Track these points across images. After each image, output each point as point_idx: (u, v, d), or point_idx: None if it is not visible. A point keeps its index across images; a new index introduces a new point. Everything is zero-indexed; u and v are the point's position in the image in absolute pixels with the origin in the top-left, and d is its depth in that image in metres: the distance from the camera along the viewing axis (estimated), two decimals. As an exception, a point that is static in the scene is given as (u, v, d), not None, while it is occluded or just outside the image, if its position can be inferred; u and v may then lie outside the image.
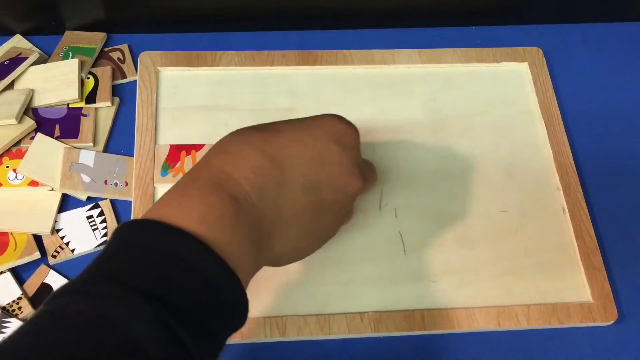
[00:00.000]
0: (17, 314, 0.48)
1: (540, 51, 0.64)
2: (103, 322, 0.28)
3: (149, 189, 0.53)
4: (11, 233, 0.51)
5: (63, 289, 0.30)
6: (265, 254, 0.37)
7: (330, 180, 0.40)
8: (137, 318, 0.28)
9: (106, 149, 0.56)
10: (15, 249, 0.50)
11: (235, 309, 0.33)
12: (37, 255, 0.50)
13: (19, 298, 0.48)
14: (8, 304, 0.48)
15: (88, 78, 0.59)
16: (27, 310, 0.48)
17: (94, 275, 0.31)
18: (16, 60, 0.58)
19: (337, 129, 0.41)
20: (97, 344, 0.27)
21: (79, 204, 0.53)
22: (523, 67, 0.63)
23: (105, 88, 0.58)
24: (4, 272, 0.50)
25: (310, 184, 0.39)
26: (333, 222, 0.43)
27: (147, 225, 0.32)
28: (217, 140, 0.39)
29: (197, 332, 0.30)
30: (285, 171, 0.37)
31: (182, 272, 0.31)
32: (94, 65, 0.60)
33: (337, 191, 0.41)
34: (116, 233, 0.33)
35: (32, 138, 0.54)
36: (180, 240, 0.31)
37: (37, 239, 0.51)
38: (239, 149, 0.37)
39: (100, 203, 0.53)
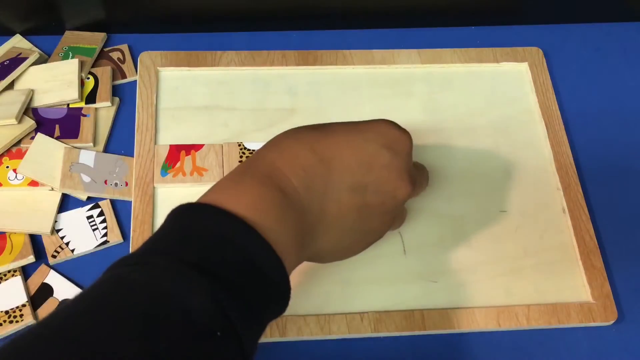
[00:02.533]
0: (17, 321, 0.47)
1: (540, 51, 0.64)
2: (159, 291, 0.30)
3: (149, 189, 0.53)
4: (9, 235, 0.51)
5: (121, 260, 0.33)
6: (307, 248, 0.38)
7: (377, 183, 0.40)
8: (191, 290, 0.30)
9: (106, 149, 0.56)
10: (10, 252, 0.50)
11: (279, 294, 0.35)
12: (31, 259, 0.50)
13: (23, 305, 0.48)
14: (11, 309, 0.48)
15: (88, 78, 0.59)
16: (27, 320, 0.47)
17: (151, 250, 0.33)
18: (16, 60, 0.58)
19: (390, 135, 0.41)
20: (151, 312, 0.29)
21: (79, 204, 0.53)
22: (523, 67, 0.63)
23: (105, 88, 0.58)
24: (16, 275, 0.49)
25: (356, 186, 0.39)
26: (378, 224, 0.43)
27: (202, 209, 0.34)
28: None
29: (244, 310, 0.32)
30: (333, 171, 0.38)
31: (233, 253, 0.32)
32: (94, 65, 0.60)
33: (384, 194, 0.41)
34: (172, 214, 0.35)
35: (32, 138, 0.54)
36: (232, 224, 0.33)
37: (36, 239, 0.52)
38: (291, 146, 0.39)
39: (100, 203, 0.53)
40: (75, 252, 0.51)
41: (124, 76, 0.60)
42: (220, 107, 0.58)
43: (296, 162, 0.38)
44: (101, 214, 0.53)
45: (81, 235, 0.52)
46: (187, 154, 0.55)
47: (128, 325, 0.29)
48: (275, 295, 0.35)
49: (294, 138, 0.39)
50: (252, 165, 0.38)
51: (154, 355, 0.28)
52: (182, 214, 0.35)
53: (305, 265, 0.51)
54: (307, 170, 0.38)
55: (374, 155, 0.40)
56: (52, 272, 0.50)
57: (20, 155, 0.54)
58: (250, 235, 0.33)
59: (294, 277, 0.50)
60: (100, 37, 0.62)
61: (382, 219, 0.43)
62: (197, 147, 0.55)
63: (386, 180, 0.41)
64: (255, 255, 0.33)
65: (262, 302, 0.34)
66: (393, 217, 0.44)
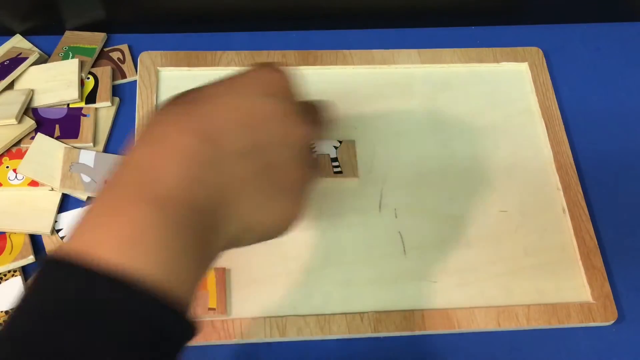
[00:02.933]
0: None
1: (540, 51, 0.64)
2: None
3: (149, 189, 0.53)
4: (9, 235, 0.51)
5: None
6: (214, 247, 0.33)
7: (268, 137, 0.35)
8: None
9: (106, 149, 0.56)
10: (10, 252, 0.50)
11: (182, 338, 0.31)
12: (31, 259, 0.50)
13: None
14: (11, 309, 0.48)
15: (88, 78, 0.59)
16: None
17: (23, 340, 0.29)
18: (16, 60, 0.58)
19: (264, 80, 0.37)
20: None
21: (79, 204, 0.53)
22: (523, 67, 0.63)
23: (105, 88, 0.58)
24: (16, 276, 0.49)
25: (247, 150, 0.34)
26: (295, 176, 0.37)
27: (70, 270, 0.29)
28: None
29: None
30: (216, 144, 0.33)
31: (116, 326, 0.28)
32: (94, 65, 0.60)
33: (280, 147, 0.36)
34: (41, 275, 0.30)
35: (32, 138, 0.54)
36: (109, 287, 0.28)
37: (36, 239, 0.52)
38: (166, 135, 0.33)
39: (100, 203, 0.53)
40: (75, 252, 0.51)
41: (124, 76, 0.60)
42: (220, 107, 0.58)
43: (173, 152, 0.32)
44: (101, 214, 0.52)
45: (81, 235, 0.52)
46: (187, 154, 0.55)
47: None
48: (178, 343, 0.30)
49: (167, 123, 0.34)
50: (123, 175, 0.32)
51: None
52: (51, 276, 0.29)
53: (305, 265, 0.51)
54: (188, 157, 0.32)
55: (255, 110, 0.35)
56: (52, 272, 0.50)
57: (20, 155, 0.54)
58: (134, 296, 0.28)
59: (294, 277, 0.51)
60: (100, 37, 0.62)
61: (291, 173, 0.37)
62: (197, 147, 0.55)
63: (276, 131, 0.36)
64: (145, 317, 0.28)
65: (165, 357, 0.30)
66: (306, 161, 0.38)
